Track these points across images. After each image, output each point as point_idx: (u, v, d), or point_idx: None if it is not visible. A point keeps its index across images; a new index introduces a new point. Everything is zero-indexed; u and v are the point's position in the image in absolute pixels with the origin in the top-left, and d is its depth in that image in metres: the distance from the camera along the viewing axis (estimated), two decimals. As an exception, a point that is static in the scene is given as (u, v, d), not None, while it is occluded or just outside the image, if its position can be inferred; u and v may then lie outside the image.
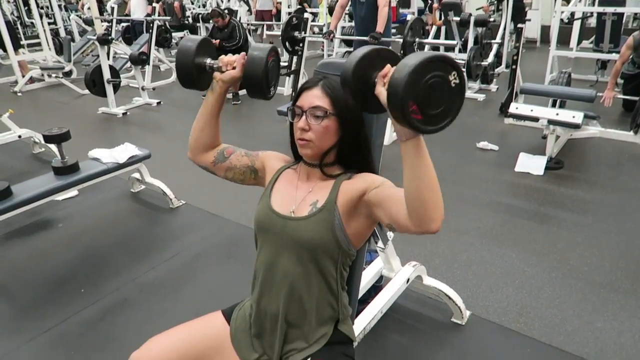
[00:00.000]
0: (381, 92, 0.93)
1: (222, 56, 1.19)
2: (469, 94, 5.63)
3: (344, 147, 1.17)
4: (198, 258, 2.55)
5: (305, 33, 5.14)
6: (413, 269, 1.86)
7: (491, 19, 5.84)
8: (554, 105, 3.62)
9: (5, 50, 7.23)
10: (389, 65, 0.95)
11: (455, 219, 2.84)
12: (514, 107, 3.48)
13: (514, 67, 4.40)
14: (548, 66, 5.14)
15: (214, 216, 2.96)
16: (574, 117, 3.21)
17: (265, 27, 9.46)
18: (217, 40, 5.62)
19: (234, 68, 1.17)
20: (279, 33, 5.28)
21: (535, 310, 2.04)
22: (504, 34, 6.34)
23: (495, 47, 5.88)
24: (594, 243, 2.54)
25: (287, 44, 5.18)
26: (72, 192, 3.24)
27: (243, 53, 1.18)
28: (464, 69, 5.47)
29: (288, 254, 1.14)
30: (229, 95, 5.96)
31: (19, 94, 6.93)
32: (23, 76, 7.15)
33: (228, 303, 1.38)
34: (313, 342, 1.17)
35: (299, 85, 1.24)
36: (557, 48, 5.19)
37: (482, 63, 5.37)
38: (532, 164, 3.46)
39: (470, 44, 5.63)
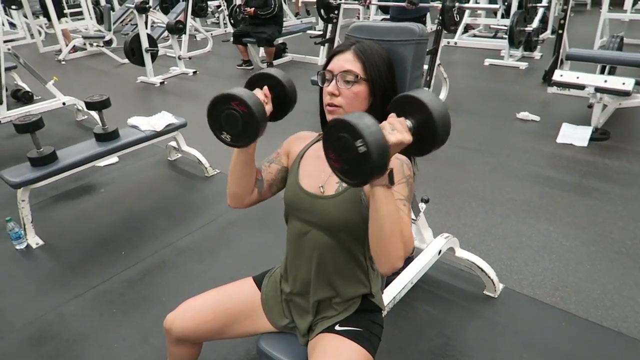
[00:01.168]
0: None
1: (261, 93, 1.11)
2: (510, 62, 5.40)
3: (375, 115, 1.14)
4: (232, 225, 2.61)
5: (340, 0, 5.01)
6: (445, 241, 1.84)
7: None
8: (602, 72, 3.42)
9: (50, 19, 7.44)
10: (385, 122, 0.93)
11: (491, 191, 2.77)
12: (559, 75, 3.31)
13: (560, 31, 4.17)
14: (598, 30, 4.84)
15: (247, 184, 3.00)
16: (624, 83, 3.02)
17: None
18: (252, 9, 5.57)
19: (266, 103, 1.10)
20: (315, 0, 5.16)
21: (573, 285, 1.99)
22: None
23: (541, 11, 5.56)
24: (639, 216, 2.43)
25: (322, 11, 5.07)
26: (113, 159, 3.36)
27: (265, 88, 1.13)
28: (505, 36, 5.23)
29: (317, 230, 1.15)
30: (264, 65, 5.94)
31: (63, 62, 7.16)
32: (66, 45, 7.37)
33: (260, 269, 1.42)
34: (342, 311, 1.19)
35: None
36: (610, 10, 4.86)
37: (526, 29, 5.10)
38: (575, 135, 3.31)
39: (514, 8, 5.34)
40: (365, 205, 1.09)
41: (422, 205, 1.79)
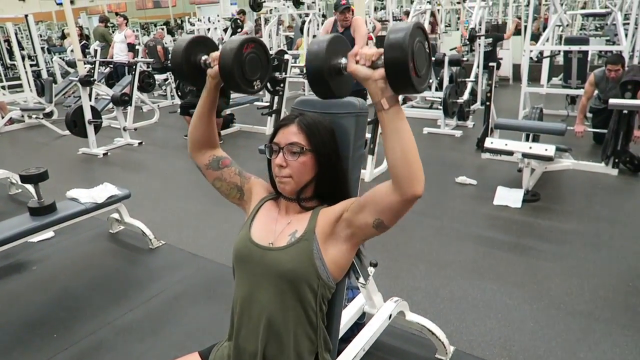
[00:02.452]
0: (356, 68, 0.97)
1: (213, 53, 1.19)
2: (446, 130, 5.78)
3: (321, 182, 1.19)
4: (177, 299, 2.49)
5: (286, 74, 5.26)
6: (395, 305, 1.85)
7: (465, 59, 6.07)
8: (527, 139, 3.73)
9: (-16, 91, 7.22)
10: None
11: (437, 253, 2.86)
12: (489, 142, 3.58)
13: (488, 103, 4.55)
14: (521, 102, 5.33)
15: (194, 256, 2.91)
16: (546, 150, 3.31)
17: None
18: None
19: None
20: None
21: (519, 343, 2.03)
22: (477, 73, 6.59)
23: (469, 85, 6.09)
24: (574, 272, 2.57)
25: (268, 84, 5.28)
26: (49, 234, 3.17)
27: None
28: (440, 107, 5.64)
29: (266, 286, 1.13)
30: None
31: (-3, 135, 6.87)
32: (2, 117, 7.12)
33: (207, 344, 1.35)
34: (292, 381, 1.15)
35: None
36: (529, 85, 5.41)
37: (458, 100, 5.54)
38: (509, 197, 3.53)
39: (446, 82, 5.82)
40: (318, 255, 1.11)
41: (371, 269, 1.81)
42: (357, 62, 0.97)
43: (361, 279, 1.74)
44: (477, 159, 4.60)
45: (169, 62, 9.02)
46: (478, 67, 6.62)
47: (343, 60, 1.03)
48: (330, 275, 1.14)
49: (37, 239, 3.05)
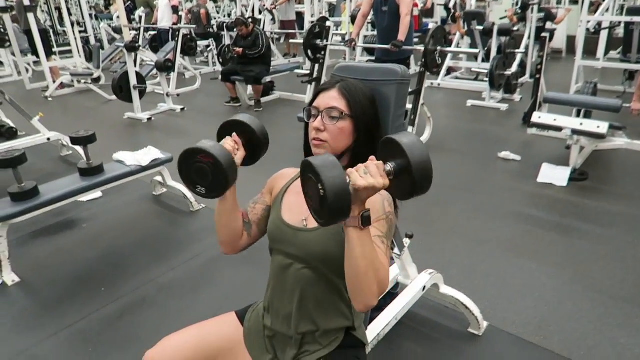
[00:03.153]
0: (369, 182, 0.87)
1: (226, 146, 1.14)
2: (491, 103, 5.58)
3: (358, 150, 1.17)
4: (216, 261, 2.57)
5: (327, 41, 5.18)
6: (430, 277, 1.84)
7: (515, 29, 5.76)
8: (578, 115, 3.55)
9: (38, 56, 7.50)
10: (355, 168, 0.91)
11: (475, 229, 2.80)
12: (537, 116, 3.43)
13: (537, 76, 4.34)
14: (573, 76, 5.06)
15: (232, 220, 2.99)
16: (598, 127, 3.14)
17: (288, 36, 9.59)
18: (241, 49, 5.71)
19: (237, 150, 1.17)
20: (302, 41, 5.32)
21: (556, 324, 1.99)
22: (528, 43, 6.27)
23: (519, 57, 5.81)
24: (618, 256, 2.47)
25: (309, 52, 5.23)
26: (96, 194, 3.32)
27: (234, 134, 1.18)
28: (486, 79, 5.42)
29: (299, 264, 1.15)
30: (251, 103, 6.03)
31: (50, 99, 7.16)
32: (54, 82, 7.41)
33: (243, 305, 1.40)
34: (325, 345, 1.17)
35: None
36: (583, 58, 5.10)
37: (505, 73, 5.31)
38: (555, 175, 3.39)
39: (494, 53, 5.58)
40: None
41: (406, 241, 1.80)
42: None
43: (396, 250, 1.74)
44: (522, 135, 4.43)
45: (210, 27, 9.08)
46: (529, 37, 6.29)
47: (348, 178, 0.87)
48: None
49: (86, 198, 3.21)
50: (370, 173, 0.87)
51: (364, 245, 0.91)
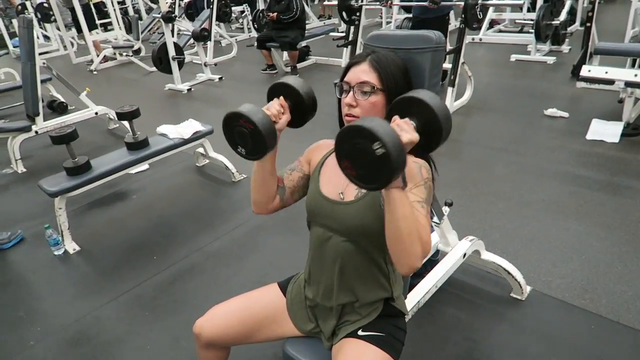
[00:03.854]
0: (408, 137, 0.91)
1: (271, 110, 1.12)
2: (537, 57, 5.29)
3: None
4: (259, 229, 2.66)
5: (362, 1, 5.02)
6: (470, 244, 1.83)
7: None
8: (633, 65, 3.31)
9: (81, 31, 7.71)
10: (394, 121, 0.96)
11: (519, 192, 2.74)
12: (587, 70, 3.23)
13: (588, 24, 4.05)
14: (629, 21, 4.69)
15: (273, 188, 3.05)
16: (656, 78, 2.93)
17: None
18: (274, 14, 5.63)
19: (282, 114, 1.14)
20: (336, 3, 5.18)
21: (603, 286, 1.95)
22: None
23: (568, 3, 5.42)
24: (674, 217, 2.36)
25: (343, 13, 5.09)
26: (144, 166, 3.46)
27: (281, 98, 1.16)
28: (532, 30, 5.12)
29: (337, 236, 1.17)
30: (288, 69, 6.00)
31: (95, 72, 7.40)
32: (97, 55, 7.62)
33: (287, 272, 1.45)
34: (365, 315, 1.21)
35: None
36: (641, 1, 4.71)
37: (553, 22, 4.98)
38: (606, 131, 3.22)
39: (540, 1, 5.22)
40: (384, 209, 1.11)
41: (445, 209, 1.79)
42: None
43: (435, 218, 1.74)
44: (570, 89, 4.21)
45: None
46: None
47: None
48: None
49: (134, 170, 3.35)
50: (404, 130, 0.89)
51: (405, 206, 0.91)
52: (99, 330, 2.04)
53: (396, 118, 0.94)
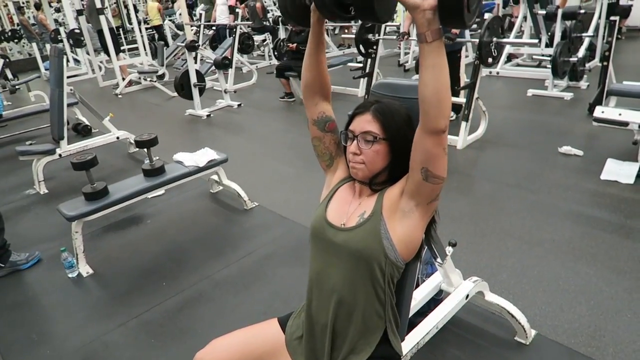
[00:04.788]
0: None
1: None
2: (554, 92, 5.29)
3: (395, 168, 1.20)
4: (268, 258, 2.69)
5: (379, 35, 5.13)
6: (473, 285, 1.84)
7: (582, 11, 5.38)
8: (650, 107, 3.30)
9: (109, 55, 8.02)
10: None
11: (529, 230, 2.72)
12: (600, 111, 3.23)
13: (605, 64, 4.06)
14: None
15: (283, 219, 3.09)
16: (671, 121, 2.91)
17: (342, 27, 9.54)
18: (294, 44, 5.79)
19: None
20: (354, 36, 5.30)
21: (611, 335, 1.92)
22: (598, 24, 5.84)
23: (587, 41, 5.44)
24: (688, 263, 2.31)
25: (361, 47, 5.20)
26: (160, 191, 3.55)
27: None
28: (549, 66, 5.14)
29: (337, 263, 1.20)
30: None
31: (120, 96, 7.66)
32: (123, 79, 7.90)
33: (292, 304, 1.48)
34: (357, 353, 1.22)
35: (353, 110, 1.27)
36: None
37: (570, 59, 5.00)
38: (621, 171, 3.20)
39: (557, 39, 5.26)
40: (385, 235, 1.14)
41: (449, 249, 1.80)
42: None
43: (439, 259, 1.75)
44: (586, 126, 4.19)
45: (266, 20, 9.22)
46: (599, 17, 5.85)
47: None
48: (399, 255, 1.16)
49: (151, 195, 3.44)
50: None
51: (435, 57, 0.97)
52: (106, 356, 2.08)
53: None
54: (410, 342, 1.56)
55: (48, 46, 9.46)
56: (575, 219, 2.81)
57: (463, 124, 3.94)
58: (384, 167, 1.19)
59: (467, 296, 1.81)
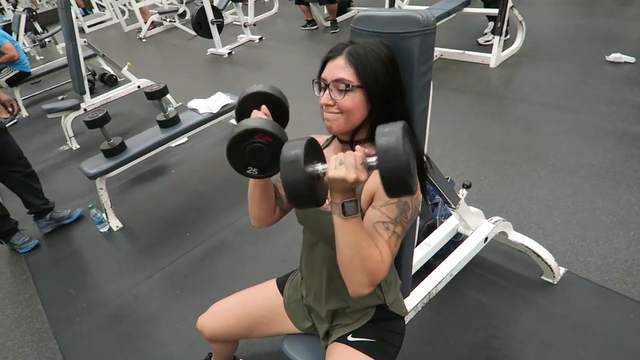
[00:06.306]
0: (340, 175, 0.80)
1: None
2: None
3: (375, 121, 1.05)
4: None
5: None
6: (494, 226, 1.71)
7: None
8: None
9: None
10: (337, 156, 0.82)
11: (565, 156, 2.49)
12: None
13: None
14: None
15: (303, 160, 3.01)
16: None
17: None
18: None
19: None
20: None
21: (650, 269, 1.76)
22: None
23: None
24: None
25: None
26: (183, 139, 3.54)
27: (263, 107, 1.09)
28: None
29: (322, 243, 1.14)
30: (327, 24, 5.76)
31: (144, 40, 7.56)
32: (145, 22, 7.74)
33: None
34: (356, 319, 1.17)
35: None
36: None
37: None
38: (679, 79, 2.82)
39: None
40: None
41: (462, 192, 1.67)
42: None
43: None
44: (642, 28, 3.69)
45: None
46: None
47: (320, 167, 0.83)
48: None
49: (174, 144, 3.43)
50: (345, 164, 0.79)
51: (347, 234, 0.87)
52: (135, 308, 2.18)
53: (358, 149, 0.82)
54: (420, 293, 1.49)
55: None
56: (619, 139, 2.53)
57: (496, 38, 3.56)
58: (364, 120, 1.04)
59: (486, 239, 1.69)
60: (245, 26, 5.95)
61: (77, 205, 3.06)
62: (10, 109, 2.62)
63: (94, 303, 2.27)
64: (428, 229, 1.84)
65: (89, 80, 4.35)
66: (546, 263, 1.73)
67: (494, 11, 3.67)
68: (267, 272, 1.40)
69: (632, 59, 3.22)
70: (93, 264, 2.59)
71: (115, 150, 2.73)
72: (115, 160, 2.70)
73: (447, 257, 1.69)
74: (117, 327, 2.10)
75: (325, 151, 1.17)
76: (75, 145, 4.07)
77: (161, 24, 7.91)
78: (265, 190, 1.15)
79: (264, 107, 1.09)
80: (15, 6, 10.18)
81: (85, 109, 4.04)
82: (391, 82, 1.02)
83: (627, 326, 1.58)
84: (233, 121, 3.35)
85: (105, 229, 2.79)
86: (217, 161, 3.33)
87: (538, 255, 1.74)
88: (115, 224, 2.81)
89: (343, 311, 1.18)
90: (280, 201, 1.22)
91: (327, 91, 1.02)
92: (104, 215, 2.80)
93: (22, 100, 5.38)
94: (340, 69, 1.01)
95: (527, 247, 1.75)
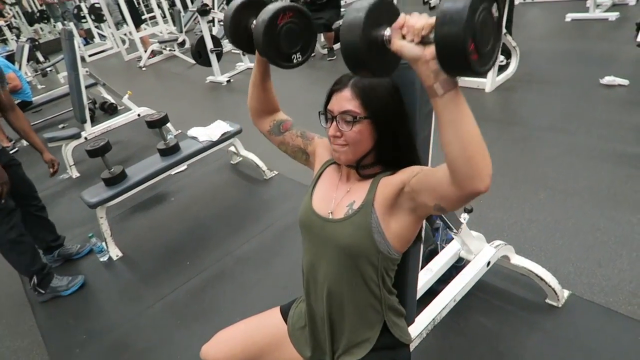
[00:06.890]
0: (402, 45, 0.75)
1: None
2: (597, 14, 4.77)
3: (382, 149, 1.07)
4: (288, 230, 2.65)
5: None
6: (495, 250, 1.71)
7: None
8: None
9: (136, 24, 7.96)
10: (403, 15, 0.77)
11: (564, 178, 2.51)
12: (647, 33, 2.86)
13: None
14: None
15: (303, 186, 3.01)
16: None
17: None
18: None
19: None
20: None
21: (655, 290, 1.75)
22: None
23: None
24: None
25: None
26: (182, 167, 3.55)
27: None
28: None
29: (327, 256, 1.12)
30: (324, 51, 5.86)
31: (144, 69, 7.66)
32: (145, 51, 7.87)
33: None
34: (358, 346, 1.16)
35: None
36: None
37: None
38: (672, 101, 2.86)
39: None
40: (377, 229, 1.04)
41: (464, 216, 1.67)
42: (403, 36, 0.76)
43: (453, 230, 1.62)
44: (633, 50, 3.75)
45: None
46: None
47: (387, 32, 0.77)
48: (392, 248, 1.06)
49: (174, 171, 3.44)
50: (407, 34, 0.75)
51: (452, 112, 0.76)
52: (136, 338, 2.15)
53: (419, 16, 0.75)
54: (424, 319, 1.48)
55: (72, 24, 9.54)
56: (617, 160, 2.56)
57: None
58: (370, 149, 1.06)
59: (489, 263, 1.69)
60: (243, 54, 6.04)
61: (77, 234, 3.05)
62: (51, 169, 2.69)
63: (94, 334, 2.24)
64: (430, 254, 1.84)
65: (89, 109, 4.39)
66: (550, 286, 1.73)
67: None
68: (269, 299, 1.39)
69: (625, 82, 3.27)
70: (93, 293, 2.56)
71: (116, 179, 2.74)
72: (116, 189, 2.71)
73: (449, 282, 1.68)
74: (117, 359, 2.06)
75: (332, 167, 1.19)
76: (75, 174, 4.08)
77: (161, 52, 8.04)
78: (258, 81, 1.24)
79: None
80: (18, 37, 10.35)
81: (86, 138, 4.07)
82: (397, 111, 1.05)
83: (635, 348, 1.56)
84: (233, 148, 3.38)
85: (105, 258, 2.77)
86: (218, 187, 3.35)
87: (541, 279, 1.73)
88: (115, 252, 2.79)
89: (344, 334, 1.17)
90: (277, 130, 1.32)
91: (334, 122, 1.05)
92: (103, 244, 2.79)
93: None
94: (346, 100, 1.03)
95: (530, 271, 1.74)
